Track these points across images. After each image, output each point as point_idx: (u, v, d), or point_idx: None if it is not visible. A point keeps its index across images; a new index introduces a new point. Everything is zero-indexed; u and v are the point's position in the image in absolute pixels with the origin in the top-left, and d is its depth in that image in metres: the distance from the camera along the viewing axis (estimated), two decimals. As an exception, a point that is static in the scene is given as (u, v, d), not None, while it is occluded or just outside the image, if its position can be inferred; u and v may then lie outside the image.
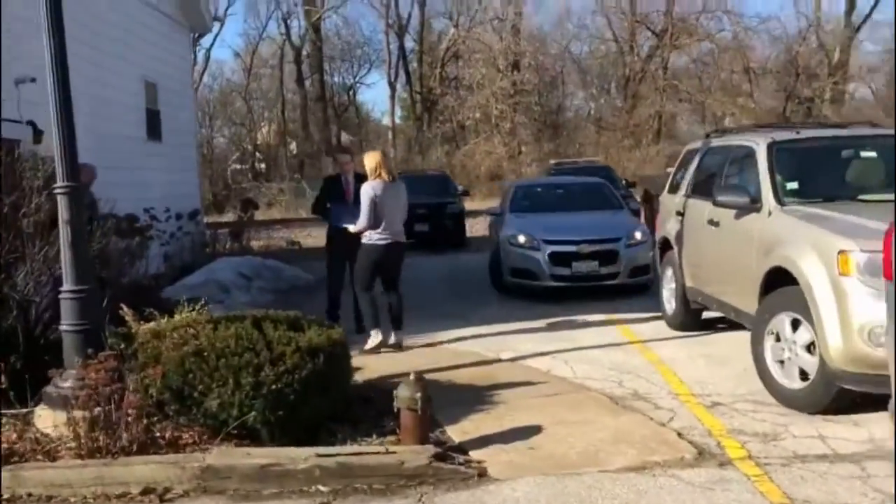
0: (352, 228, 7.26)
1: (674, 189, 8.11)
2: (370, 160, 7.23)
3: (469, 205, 20.59)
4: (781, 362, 5.23)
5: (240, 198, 31.58)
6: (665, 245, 8.04)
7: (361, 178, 7.60)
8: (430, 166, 28.87)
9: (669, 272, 7.88)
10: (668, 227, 7.87)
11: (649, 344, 7.18)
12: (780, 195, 5.68)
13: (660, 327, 7.88)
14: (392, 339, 7.34)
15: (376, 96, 75.32)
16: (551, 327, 8.12)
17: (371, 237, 7.18)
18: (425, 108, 39.47)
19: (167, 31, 13.34)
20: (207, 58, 39.41)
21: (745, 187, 6.03)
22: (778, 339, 5.26)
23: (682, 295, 7.43)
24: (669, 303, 7.87)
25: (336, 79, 44.86)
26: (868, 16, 38.31)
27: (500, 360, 6.77)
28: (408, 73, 40.39)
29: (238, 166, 42.35)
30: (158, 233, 10.72)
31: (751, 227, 5.80)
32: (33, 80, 7.42)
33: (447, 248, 15.77)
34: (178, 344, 4.76)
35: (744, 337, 7.02)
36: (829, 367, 4.76)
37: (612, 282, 9.58)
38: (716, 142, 7.42)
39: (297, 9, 39.34)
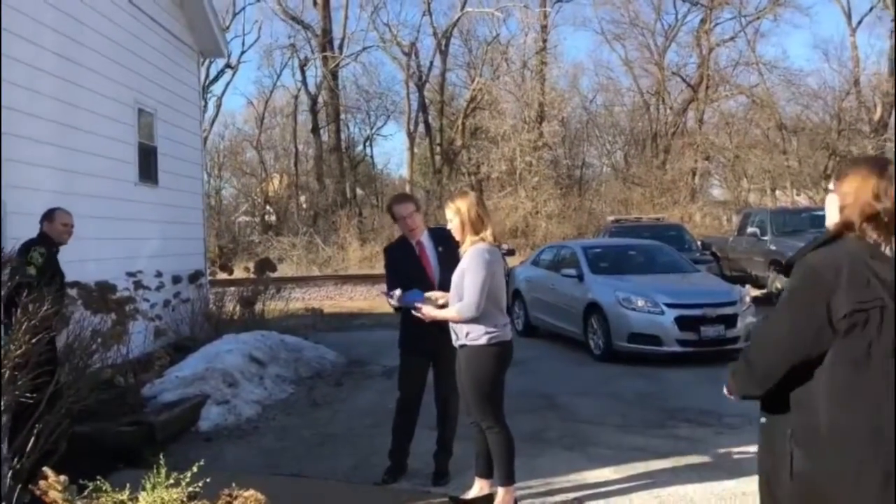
0: (449, 314, 4.45)
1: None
2: (469, 206, 4.46)
3: (511, 262, 18.17)
4: None
5: (248, 252, 29.30)
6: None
7: (444, 238, 4.91)
8: (454, 222, 26.31)
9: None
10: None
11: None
12: None
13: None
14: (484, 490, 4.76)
15: (390, 149, 74.25)
16: (735, 470, 5.40)
17: (494, 333, 4.42)
18: (445, 160, 37.13)
19: (171, 50, 10.86)
20: (219, 106, 37.48)
21: None
22: None
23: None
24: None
25: (352, 129, 42.83)
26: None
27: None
28: (427, 125, 38.17)
29: (246, 218, 40.20)
30: (143, 301, 8.11)
31: None
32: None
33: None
34: None
35: None
36: None
37: (734, 346, 9.09)
38: None
39: (314, 55, 37.28)
